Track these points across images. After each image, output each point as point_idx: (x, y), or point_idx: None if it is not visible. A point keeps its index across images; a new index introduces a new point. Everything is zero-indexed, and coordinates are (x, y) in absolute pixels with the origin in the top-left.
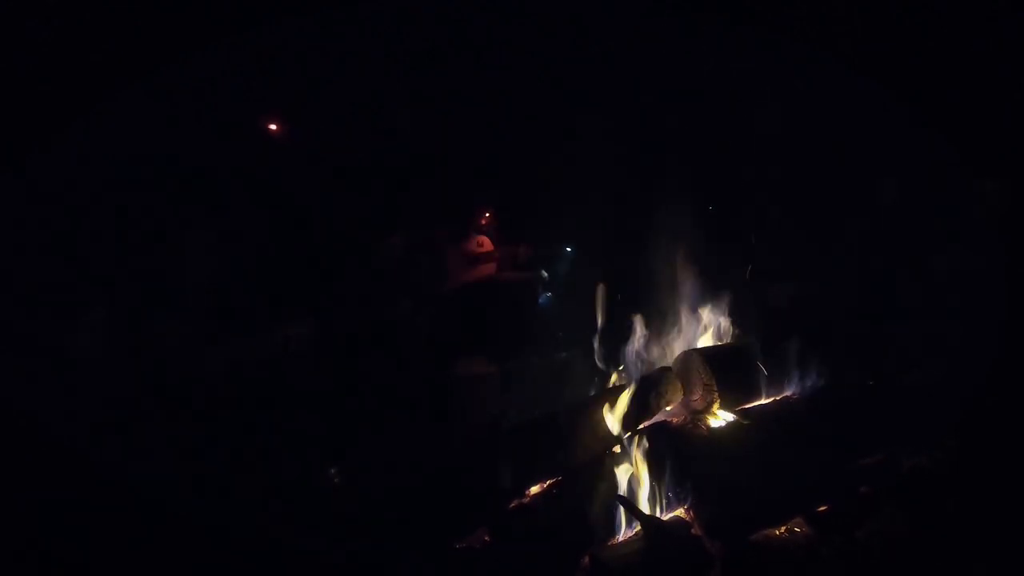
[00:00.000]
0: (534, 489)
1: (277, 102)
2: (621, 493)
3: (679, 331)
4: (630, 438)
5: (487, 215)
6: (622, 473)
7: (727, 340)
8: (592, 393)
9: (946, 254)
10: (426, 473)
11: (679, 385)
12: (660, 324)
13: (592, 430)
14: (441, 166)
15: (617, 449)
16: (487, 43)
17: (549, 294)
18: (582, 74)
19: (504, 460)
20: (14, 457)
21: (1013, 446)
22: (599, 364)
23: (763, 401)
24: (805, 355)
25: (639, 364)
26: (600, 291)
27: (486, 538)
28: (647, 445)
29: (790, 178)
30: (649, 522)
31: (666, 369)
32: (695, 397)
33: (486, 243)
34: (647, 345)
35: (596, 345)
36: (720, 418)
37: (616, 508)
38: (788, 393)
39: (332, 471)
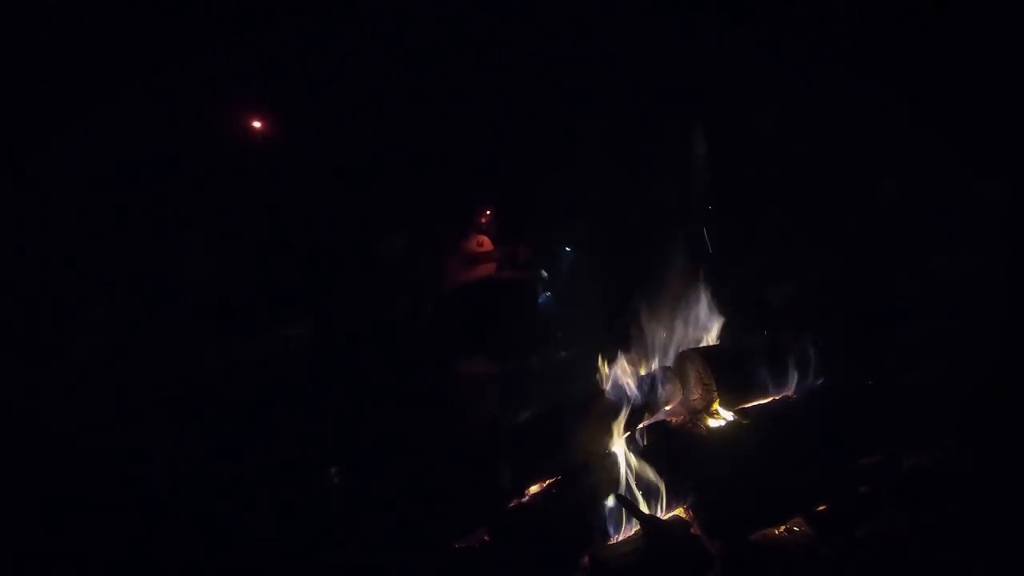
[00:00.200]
0: (534, 489)
1: (277, 102)
2: (621, 493)
3: (679, 331)
4: (630, 438)
5: (487, 215)
6: (622, 473)
7: (727, 340)
8: (592, 393)
9: (946, 254)
10: (426, 473)
11: (678, 385)
12: (659, 323)
13: (592, 430)
14: (441, 166)
15: (617, 449)
16: (487, 43)
17: (549, 294)
18: (582, 74)
19: (504, 460)
20: (14, 457)
21: (1013, 446)
22: (599, 364)
23: (763, 401)
24: (805, 355)
25: (639, 364)
26: (600, 291)
27: (486, 538)
28: (647, 444)
29: (790, 178)
30: (649, 521)
31: (666, 369)
32: (695, 397)
33: (486, 243)
34: (647, 344)
35: (596, 345)
36: (720, 418)
37: (616, 507)
38: (788, 393)
39: (332, 471)
